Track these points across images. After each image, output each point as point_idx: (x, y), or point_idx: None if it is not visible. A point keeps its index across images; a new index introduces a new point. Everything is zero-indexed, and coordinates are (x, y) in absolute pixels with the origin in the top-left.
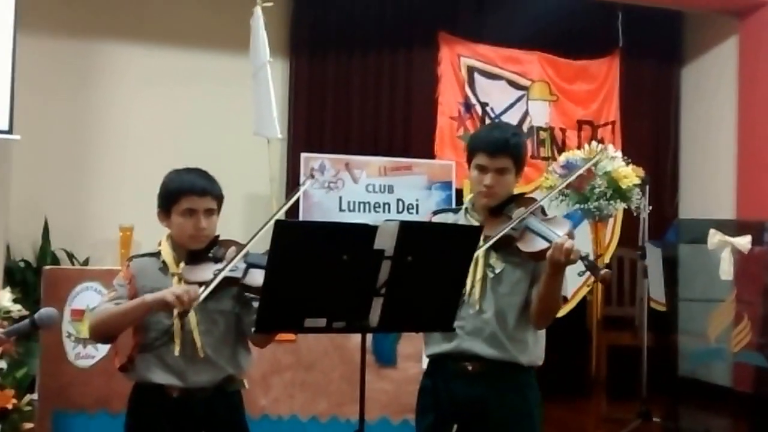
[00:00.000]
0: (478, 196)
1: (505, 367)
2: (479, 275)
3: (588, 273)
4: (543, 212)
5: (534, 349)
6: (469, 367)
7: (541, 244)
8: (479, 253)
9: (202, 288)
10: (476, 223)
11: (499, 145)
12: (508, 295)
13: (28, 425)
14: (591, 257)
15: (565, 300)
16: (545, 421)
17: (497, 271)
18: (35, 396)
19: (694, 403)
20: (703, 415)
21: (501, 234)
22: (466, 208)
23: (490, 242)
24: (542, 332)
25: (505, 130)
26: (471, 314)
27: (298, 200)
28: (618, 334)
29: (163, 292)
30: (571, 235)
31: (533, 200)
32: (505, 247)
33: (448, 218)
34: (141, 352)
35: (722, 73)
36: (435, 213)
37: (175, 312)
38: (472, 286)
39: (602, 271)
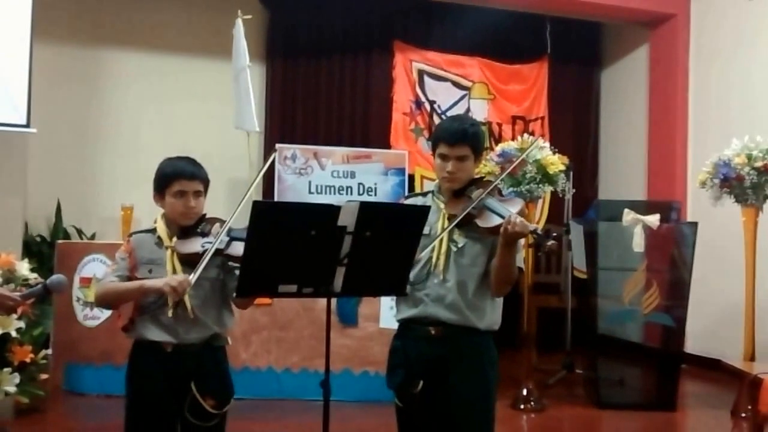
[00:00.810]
0: (443, 181)
1: (464, 330)
2: (443, 249)
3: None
4: (500, 193)
5: (491, 315)
6: (432, 331)
7: (496, 220)
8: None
9: (192, 275)
10: (442, 205)
11: (458, 136)
12: (469, 267)
13: (44, 376)
14: (540, 231)
15: (521, 270)
16: None
17: (460, 245)
18: (50, 351)
19: (610, 356)
20: (618, 367)
21: (465, 213)
22: (433, 192)
23: (456, 221)
24: (500, 300)
25: (464, 122)
26: (435, 283)
27: (273, 184)
28: (546, 298)
29: (161, 283)
30: (522, 212)
31: (491, 183)
32: (466, 224)
33: (417, 201)
34: (140, 314)
35: (635, 75)
36: (407, 197)
37: (170, 301)
38: (437, 259)
39: (548, 243)
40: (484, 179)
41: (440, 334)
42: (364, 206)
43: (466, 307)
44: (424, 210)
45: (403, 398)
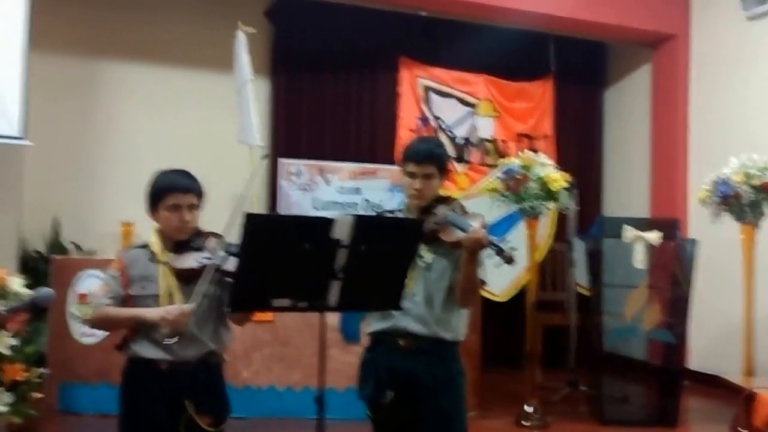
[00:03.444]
0: (411, 198)
1: (432, 342)
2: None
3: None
4: (463, 210)
5: (457, 327)
6: (401, 343)
7: (459, 234)
8: None
9: (190, 304)
10: None
11: (426, 155)
12: (437, 281)
13: (37, 395)
14: (499, 243)
15: (483, 283)
16: (489, 387)
17: (427, 261)
18: (47, 370)
19: (614, 373)
20: (622, 383)
21: (426, 228)
22: (401, 209)
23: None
24: (465, 312)
25: (430, 143)
26: (405, 298)
27: (275, 199)
28: (550, 315)
29: (157, 317)
30: (483, 226)
31: (455, 200)
32: (433, 240)
33: None
34: (134, 332)
35: (638, 94)
36: (377, 214)
37: (165, 331)
38: None
39: (507, 252)
40: (449, 197)
41: (409, 346)
42: (359, 219)
43: (433, 320)
44: (419, 223)
45: (374, 409)
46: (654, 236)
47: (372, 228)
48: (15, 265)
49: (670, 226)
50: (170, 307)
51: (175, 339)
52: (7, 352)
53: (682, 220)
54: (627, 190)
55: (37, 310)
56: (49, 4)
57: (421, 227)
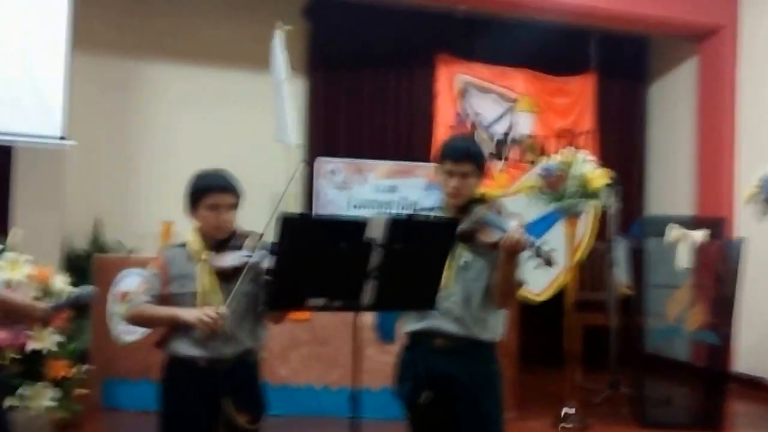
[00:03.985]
0: (448, 197)
1: (469, 342)
2: (449, 264)
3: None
4: (501, 210)
5: (494, 328)
6: (438, 343)
7: (498, 235)
8: None
9: (225, 307)
10: None
11: (463, 153)
12: (474, 281)
13: (81, 391)
14: (537, 244)
15: (521, 284)
16: (528, 388)
17: (465, 260)
18: (91, 366)
19: (656, 374)
20: (664, 385)
21: (464, 228)
22: (439, 208)
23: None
24: (502, 312)
25: (467, 141)
26: (442, 297)
27: (312, 198)
28: (591, 315)
29: (193, 318)
30: (521, 226)
31: (493, 200)
32: (470, 239)
33: None
34: (174, 330)
35: (683, 89)
36: (414, 212)
37: (201, 334)
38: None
39: (545, 254)
40: (487, 196)
41: (446, 346)
42: (394, 219)
43: (471, 321)
44: (454, 223)
45: (412, 409)
46: (698, 235)
47: (407, 228)
48: (59, 263)
49: (715, 224)
50: (207, 309)
51: (209, 338)
52: (52, 348)
53: (728, 218)
54: (671, 187)
55: (79, 308)
56: (90, 5)
57: (456, 227)
